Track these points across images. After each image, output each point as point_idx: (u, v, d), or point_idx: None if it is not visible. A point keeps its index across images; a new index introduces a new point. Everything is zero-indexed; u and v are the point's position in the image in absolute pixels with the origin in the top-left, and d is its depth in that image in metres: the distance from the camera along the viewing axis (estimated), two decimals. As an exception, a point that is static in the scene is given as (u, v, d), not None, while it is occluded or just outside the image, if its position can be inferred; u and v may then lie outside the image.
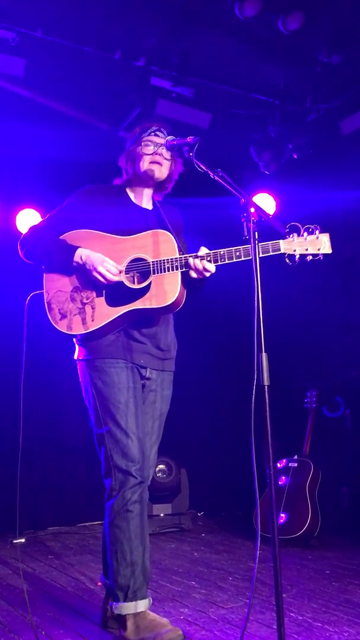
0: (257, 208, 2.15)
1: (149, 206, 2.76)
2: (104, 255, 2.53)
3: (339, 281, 5.03)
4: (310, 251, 2.39)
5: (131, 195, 2.74)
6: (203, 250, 2.52)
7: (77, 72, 4.15)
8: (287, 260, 2.40)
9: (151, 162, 2.64)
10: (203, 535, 4.56)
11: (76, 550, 4.15)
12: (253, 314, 2.06)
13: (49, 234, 2.64)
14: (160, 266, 2.51)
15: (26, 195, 4.73)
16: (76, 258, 2.56)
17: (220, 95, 4.52)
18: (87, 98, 4.37)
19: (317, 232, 2.38)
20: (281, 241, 2.40)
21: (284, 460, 4.48)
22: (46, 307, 2.61)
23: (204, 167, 2.34)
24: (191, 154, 2.39)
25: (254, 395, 2.04)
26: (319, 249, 2.39)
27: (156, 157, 2.63)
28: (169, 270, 2.51)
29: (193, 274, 2.50)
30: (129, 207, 2.70)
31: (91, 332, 2.53)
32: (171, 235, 2.55)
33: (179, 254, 2.51)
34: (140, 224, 2.62)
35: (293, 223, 2.41)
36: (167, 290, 2.51)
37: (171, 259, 2.52)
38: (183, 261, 2.51)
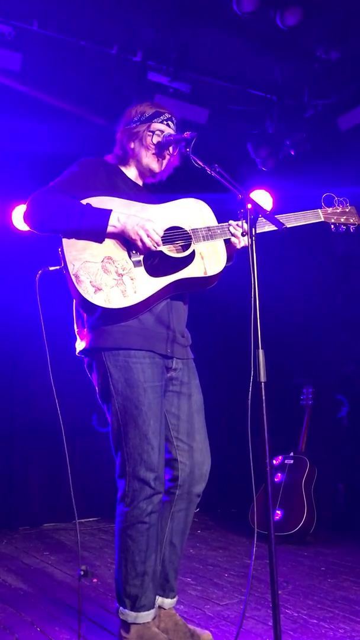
0: (255, 204, 2.14)
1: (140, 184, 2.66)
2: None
3: (336, 277, 5.03)
4: (344, 221, 2.61)
5: (127, 173, 2.60)
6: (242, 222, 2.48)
7: (73, 66, 4.13)
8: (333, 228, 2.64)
9: (154, 154, 2.52)
10: (198, 531, 4.56)
11: (72, 547, 4.14)
12: (250, 310, 2.05)
13: (67, 199, 2.32)
14: (202, 234, 2.42)
15: (22, 191, 4.71)
16: (112, 221, 2.28)
17: (217, 91, 4.50)
18: (83, 93, 4.35)
19: (347, 203, 2.64)
20: (320, 210, 2.61)
21: (280, 457, 4.48)
22: (74, 280, 2.26)
23: (201, 163, 2.31)
24: (188, 149, 2.34)
25: (250, 392, 2.02)
26: (351, 220, 2.62)
27: (164, 151, 2.51)
28: (211, 239, 2.43)
29: (235, 240, 2.47)
30: (127, 182, 2.57)
31: (132, 307, 2.28)
32: (205, 204, 2.47)
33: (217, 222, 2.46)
34: (143, 198, 2.49)
35: (328, 194, 2.63)
36: (213, 258, 2.41)
37: (214, 226, 2.45)
38: (226, 229, 2.46)
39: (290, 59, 4.27)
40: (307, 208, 2.66)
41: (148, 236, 2.30)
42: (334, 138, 4.73)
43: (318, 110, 4.64)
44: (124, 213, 2.32)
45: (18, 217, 4.76)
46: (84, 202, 2.35)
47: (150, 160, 2.54)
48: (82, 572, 2.28)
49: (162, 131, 2.52)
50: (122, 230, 2.31)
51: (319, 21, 3.87)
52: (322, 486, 4.39)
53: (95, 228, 2.30)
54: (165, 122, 2.53)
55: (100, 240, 2.32)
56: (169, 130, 2.53)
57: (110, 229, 2.30)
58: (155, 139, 2.51)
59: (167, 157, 2.56)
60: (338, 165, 4.73)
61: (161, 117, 2.53)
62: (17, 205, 4.79)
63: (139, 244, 2.31)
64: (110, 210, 2.31)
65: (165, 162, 2.57)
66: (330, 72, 4.31)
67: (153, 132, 2.51)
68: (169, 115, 2.55)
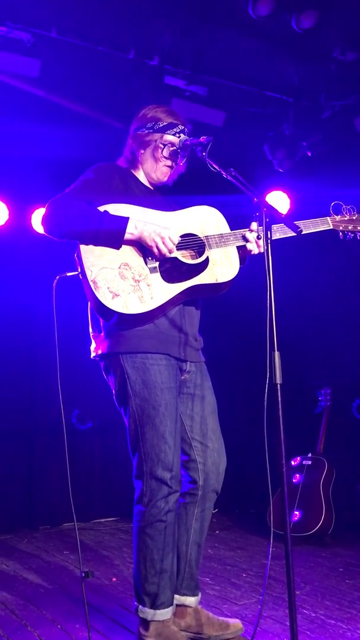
0: (270, 207, 2.16)
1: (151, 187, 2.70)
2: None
3: (354, 278, 5.02)
4: (351, 229, 2.65)
5: (138, 177, 2.63)
6: (255, 225, 2.52)
7: (91, 71, 4.17)
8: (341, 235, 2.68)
9: (166, 166, 2.57)
10: (217, 532, 4.58)
11: (91, 547, 4.19)
12: (266, 312, 2.07)
13: (85, 205, 2.37)
14: (215, 241, 2.46)
15: (42, 195, 4.76)
16: (130, 228, 2.32)
17: (234, 94, 4.51)
18: (101, 97, 4.39)
19: (354, 211, 2.66)
20: (329, 218, 2.64)
21: (298, 458, 4.48)
22: (92, 286, 2.30)
23: (216, 167, 2.33)
24: (204, 153, 2.37)
25: (266, 394, 2.04)
26: (358, 228, 2.65)
27: (173, 164, 2.57)
28: (224, 245, 2.47)
29: (250, 247, 2.51)
30: (139, 185, 2.61)
31: (149, 313, 2.33)
32: (218, 211, 2.52)
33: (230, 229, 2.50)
34: (157, 203, 2.53)
35: (336, 202, 2.66)
36: (227, 265, 2.46)
37: (227, 233, 2.49)
38: (239, 236, 2.50)
39: (307, 60, 4.27)
40: (324, 209, 2.68)
41: (164, 243, 2.34)
42: (351, 139, 4.71)
43: (335, 111, 4.63)
44: (141, 220, 2.36)
45: (37, 220, 4.83)
46: (100, 209, 2.39)
47: (160, 173, 2.59)
48: (83, 575, 2.32)
49: (173, 144, 2.53)
50: (139, 237, 2.35)
51: (335, 23, 3.87)
52: (341, 487, 4.38)
53: (113, 235, 2.34)
54: (177, 135, 2.54)
55: (117, 246, 2.36)
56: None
57: (127, 235, 2.34)
58: (167, 152, 2.54)
59: (174, 167, 2.60)
60: (355, 166, 4.72)
61: (174, 130, 2.53)
62: (37, 209, 4.85)
63: (155, 250, 2.35)
64: (128, 218, 2.35)
65: (172, 171, 2.61)
66: (347, 73, 4.30)
67: (165, 145, 2.54)
68: (182, 127, 2.55)
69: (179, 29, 3.96)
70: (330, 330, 5.09)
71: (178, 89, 4.35)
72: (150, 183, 2.65)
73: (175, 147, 2.54)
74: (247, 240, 2.52)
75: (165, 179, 2.61)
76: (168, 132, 2.53)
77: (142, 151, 2.59)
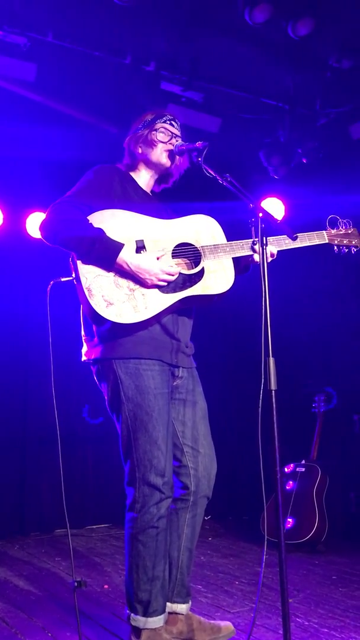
0: (266, 213, 2.16)
1: (150, 193, 2.70)
2: (151, 257, 2.35)
3: (350, 285, 5.03)
4: (346, 243, 2.64)
5: (137, 180, 2.65)
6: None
7: (87, 76, 4.18)
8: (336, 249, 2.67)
9: (165, 150, 2.57)
10: (210, 539, 4.56)
11: (83, 553, 4.16)
12: (261, 318, 2.06)
13: (82, 222, 2.36)
14: (211, 251, 2.45)
15: (36, 199, 4.77)
16: (120, 262, 2.32)
17: (230, 100, 4.53)
18: (97, 102, 4.40)
19: (350, 225, 2.66)
20: (324, 232, 2.63)
21: (292, 465, 4.47)
22: (86, 294, 2.31)
23: (212, 172, 2.34)
24: (200, 159, 2.38)
25: (261, 400, 2.03)
26: (353, 242, 2.65)
27: (170, 146, 2.57)
28: (220, 256, 2.46)
29: (257, 257, 2.50)
30: (137, 190, 2.61)
31: (143, 322, 2.33)
32: (215, 220, 2.52)
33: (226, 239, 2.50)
34: (153, 209, 2.53)
35: (332, 216, 2.65)
36: (222, 276, 2.45)
37: (223, 244, 2.48)
38: (235, 247, 2.49)
39: (302, 68, 4.29)
40: (319, 216, 2.68)
41: (165, 282, 2.37)
42: (346, 146, 4.74)
43: (330, 118, 4.65)
44: (134, 260, 2.33)
45: (32, 224, 4.81)
46: (98, 214, 2.39)
47: (158, 156, 2.59)
48: (75, 584, 2.30)
49: (166, 128, 2.59)
50: (128, 272, 2.35)
51: (331, 30, 3.89)
52: (334, 495, 4.37)
53: (101, 261, 2.35)
54: (168, 122, 2.60)
55: (107, 269, 2.37)
56: (173, 129, 2.60)
57: (117, 266, 2.35)
58: (160, 136, 2.58)
59: (177, 157, 2.61)
60: (350, 173, 4.74)
61: (164, 118, 2.61)
62: (32, 213, 4.84)
63: (151, 285, 2.37)
64: (120, 248, 2.33)
65: (171, 156, 2.60)
66: (343, 80, 4.32)
67: (157, 130, 2.58)
68: (172, 117, 2.63)
69: (176, 34, 3.97)
70: (325, 336, 5.09)
71: (174, 95, 4.36)
72: (151, 180, 2.66)
73: (168, 131, 2.58)
74: (255, 251, 2.51)
75: (166, 161, 2.60)
76: (158, 121, 2.61)
77: (139, 148, 2.62)
